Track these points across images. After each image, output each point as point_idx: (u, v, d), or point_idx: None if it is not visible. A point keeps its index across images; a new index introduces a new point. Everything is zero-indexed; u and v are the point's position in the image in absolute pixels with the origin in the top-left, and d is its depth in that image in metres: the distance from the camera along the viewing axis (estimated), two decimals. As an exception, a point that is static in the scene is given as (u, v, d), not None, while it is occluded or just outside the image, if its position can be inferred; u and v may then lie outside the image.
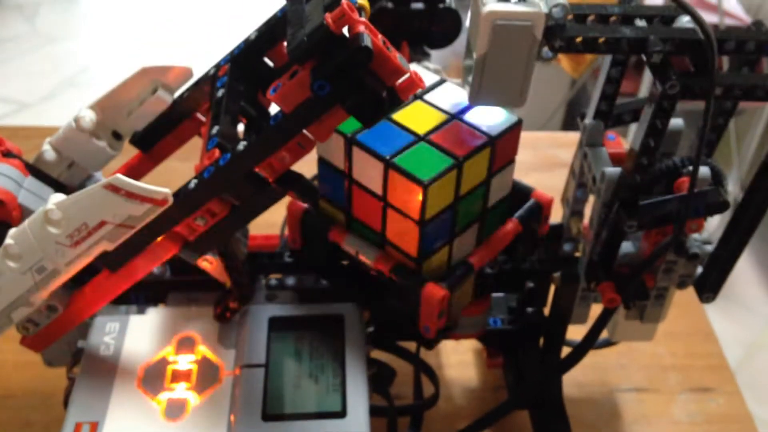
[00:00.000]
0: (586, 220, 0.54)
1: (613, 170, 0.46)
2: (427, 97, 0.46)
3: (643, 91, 1.46)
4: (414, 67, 0.49)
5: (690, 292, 0.54)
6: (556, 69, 1.56)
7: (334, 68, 0.35)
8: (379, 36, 0.35)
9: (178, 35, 2.17)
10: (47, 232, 0.39)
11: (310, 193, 0.42)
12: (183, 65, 0.47)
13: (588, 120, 0.51)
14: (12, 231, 0.40)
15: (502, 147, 0.45)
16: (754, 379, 1.30)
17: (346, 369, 0.46)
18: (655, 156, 0.43)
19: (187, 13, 2.27)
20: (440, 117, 0.45)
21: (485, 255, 0.47)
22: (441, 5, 0.58)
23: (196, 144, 0.49)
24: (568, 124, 1.62)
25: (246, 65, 0.47)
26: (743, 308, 1.45)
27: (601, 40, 0.41)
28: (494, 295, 0.57)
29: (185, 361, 0.46)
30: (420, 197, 0.41)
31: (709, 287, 0.52)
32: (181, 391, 0.45)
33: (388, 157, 0.42)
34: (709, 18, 1.46)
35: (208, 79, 0.47)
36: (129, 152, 0.50)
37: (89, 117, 0.46)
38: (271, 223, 0.64)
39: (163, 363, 0.46)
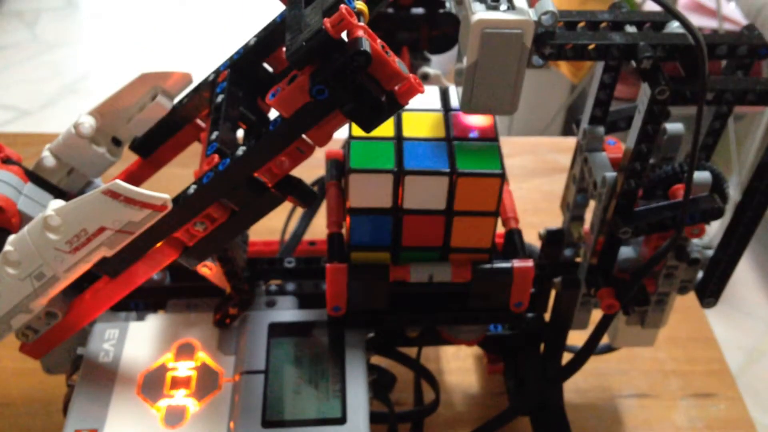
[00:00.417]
0: (586, 225, 0.54)
1: (613, 175, 0.46)
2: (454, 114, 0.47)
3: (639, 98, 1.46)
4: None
5: (690, 298, 0.54)
6: (556, 74, 1.56)
7: (332, 73, 0.35)
8: (378, 41, 0.35)
9: (178, 42, 2.17)
10: (46, 238, 0.39)
11: (309, 198, 0.41)
12: (182, 71, 0.47)
13: (583, 125, 0.51)
14: (11, 237, 0.40)
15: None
16: (755, 385, 1.30)
17: (346, 375, 0.46)
18: (648, 161, 0.43)
19: (186, 20, 2.27)
20: (438, 116, 0.45)
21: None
22: (441, 10, 0.58)
23: (195, 150, 0.49)
24: (568, 129, 1.62)
25: (245, 71, 0.47)
26: (744, 314, 1.44)
27: (591, 46, 0.41)
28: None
29: (185, 368, 0.46)
30: (497, 188, 0.43)
31: (710, 292, 0.52)
32: (180, 397, 0.45)
33: (448, 170, 0.43)
34: (708, 23, 1.46)
35: (208, 85, 0.47)
36: (128, 158, 0.50)
37: (89, 123, 0.46)
38: (270, 228, 0.64)
39: (163, 370, 0.46)
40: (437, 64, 0.64)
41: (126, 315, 0.50)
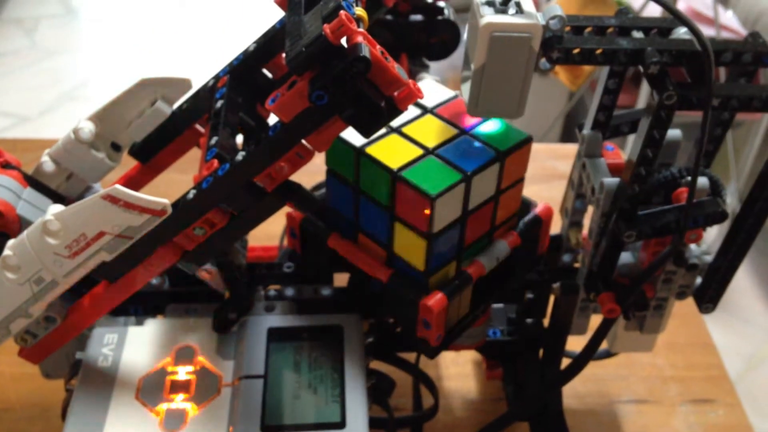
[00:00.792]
0: (585, 231, 0.54)
1: (612, 181, 0.46)
2: (438, 111, 0.47)
3: (641, 103, 1.47)
4: (430, 82, 0.50)
5: (689, 303, 0.54)
6: (554, 82, 1.56)
7: (332, 78, 0.35)
8: (378, 46, 0.35)
9: (177, 49, 2.17)
10: (46, 242, 0.39)
11: (309, 204, 0.42)
12: (182, 77, 0.47)
13: (586, 131, 0.51)
14: (10, 242, 0.40)
15: (510, 163, 0.44)
16: (753, 392, 1.30)
17: (346, 380, 0.46)
18: (653, 166, 0.43)
19: (185, 28, 2.28)
20: (450, 131, 0.45)
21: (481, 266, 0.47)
22: (439, 17, 0.58)
23: (194, 156, 0.49)
24: (566, 136, 1.62)
25: (245, 76, 0.47)
26: (742, 321, 1.45)
27: (599, 51, 0.41)
28: (493, 306, 0.57)
29: (184, 372, 0.46)
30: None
31: (708, 298, 0.52)
32: (179, 402, 0.45)
33: (396, 170, 0.42)
34: (706, 31, 1.47)
35: (207, 91, 0.48)
36: (128, 164, 0.50)
37: (88, 128, 0.46)
38: (269, 234, 0.64)
39: (162, 374, 0.46)
40: (436, 71, 0.64)
41: (125, 319, 0.50)
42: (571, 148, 0.88)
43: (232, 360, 0.47)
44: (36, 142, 0.82)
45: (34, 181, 0.46)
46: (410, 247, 0.44)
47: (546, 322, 0.55)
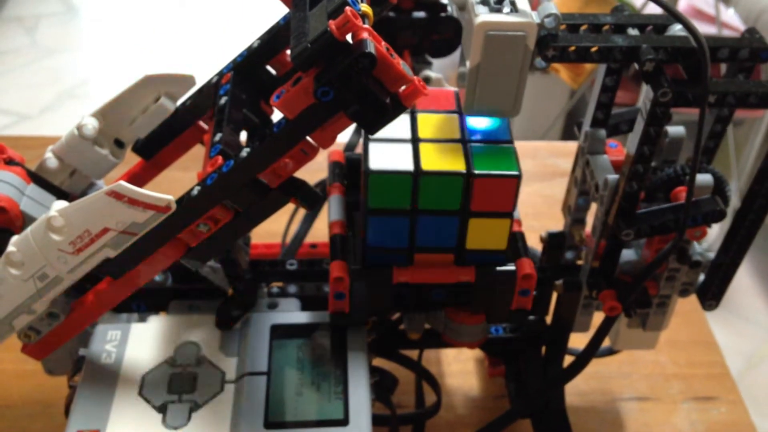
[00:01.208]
0: (588, 228, 0.54)
1: (615, 177, 0.46)
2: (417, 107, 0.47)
3: (642, 101, 1.47)
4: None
5: (691, 301, 0.54)
6: (555, 79, 1.56)
7: (337, 74, 0.35)
8: (383, 43, 0.35)
9: (178, 48, 2.17)
10: (49, 239, 0.39)
11: (314, 200, 0.41)
12: (186, 73, 0.47)
13: (585, 128, 0.51)
14: (14, 238, 0.40)
15: None
16: (754, 391, 1.30)
17: (349, 377, 0.46)
18: (651, 164, 0.43)
19: (186, 26, 2.27)
20: (450, 118, 0.46)
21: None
22: (442, 14, 0.58)
23: (196, 154, 0.49)
24: (568, 134, 1.62)
25: (248, 73, 0.47)
26: (743, 319, 1.45)
27: (594, 49, 0.41)
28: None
29: (187, 369, 0.46)
30: (514, 188, 0.43)
31: (711, 295, 0.52)
32: (182, 399, 0.45)
33: (466, 171, 0.42)
34: (708, 29, 1.47)
35: (211, 87, 0.47)
36: (131, 160, 0.50)
37: (92, 124, 0.46)
38: (272, 232, 0.64)
39: (165, 371, 0.46)
40: (438, 67, 0.64)
41: (128, 316, 0.50)
42: (573, 146, 0.88)
43: (236, 357, 0.47)
44: (39, 140, 0.82)
45: (37, 178, 0.46)
46: (489, 234, 0.45)
47: (549, 319, 0.55)
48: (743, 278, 1.51)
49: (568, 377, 0.52)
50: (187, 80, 0.47)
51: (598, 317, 0.52)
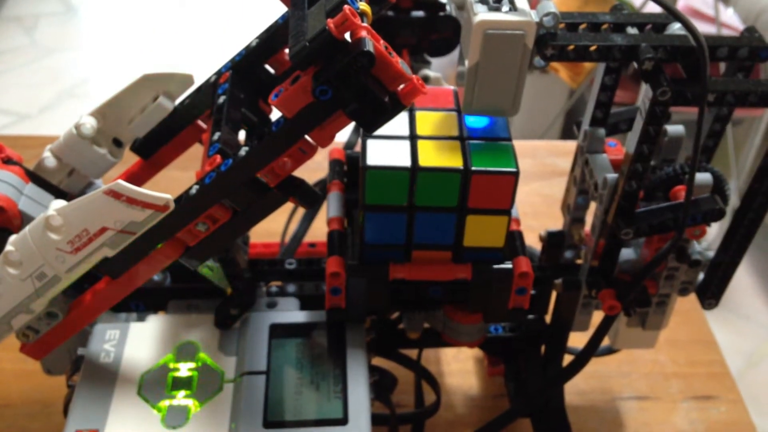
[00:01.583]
0: (587, 227, 0.54)
1: (614, 176, 0.46)
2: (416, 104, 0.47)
3: (641, 101, 1.47)
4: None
5: (690, 300, 0.54)
6: (554, 79, 1.56)
7: (336, 73, 0.35)
8: (382, 41, 0.35)
9: (177, 48, 2.17)
10: (48, 238, 0.39)
11: (312, 199, 0.41)
12: (184, 72, 0.47)
13: (584, 127, 0.51)
14: (12, 238, 0.40)
15: None
16: (754, 390, 1.30)
17: (348, 376, 0.46)
18: (650, 163, 0.43)
19: (185, 26, 2.27)
20: (448, 115, 0.46)
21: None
22: (441, 13, 0.58)
23: (195, 154, 0.49)
24: (567, 134, 1.62)
25: (247, 72, 0.47)
26: (742, 318, 1.45)
27: (593, 48, 0.41)
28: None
29: (186, 369, 0.46)
30: (512, 185, 0.43)
31: (711, 293, 0.52)
32: (181, 398, 0.45)
33: (463, 167, 0.42)
34: (707, 29, 1.47)
35: (209, 87, 0.47)
36: (129, 160, 0.50)
37: (90, 124, 0.46)
38: (270, 231, 0.64)
39: (164, 370, 0.46)
40: (437, 67, 0.64)
41: (127, 316, 0.50)
42: (572, 145, 0.88)
43: (234, 356, 0.47)
44: (37, 139, 0.82)
45: (35, 177, 0.46)
46: (486, 232, 0.45)
47: (548, 318, 0.55)
48: (743, 277, 1.51)
49: (567, 376, 0.52)
50: (186, 79, 0.47)
51: (597, 316, 0.52)
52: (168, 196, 0.38)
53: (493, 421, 0.52)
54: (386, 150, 0.43)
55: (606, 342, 0.54)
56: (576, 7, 1.45)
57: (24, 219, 0.44)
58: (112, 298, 0.44)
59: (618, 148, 0.51)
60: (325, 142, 0.39)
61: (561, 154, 0.91)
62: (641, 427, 0.62)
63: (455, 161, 0.43)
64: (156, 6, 2.36)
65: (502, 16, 0.39)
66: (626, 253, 0.51)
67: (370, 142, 0.44)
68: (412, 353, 0.55)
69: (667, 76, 0.40)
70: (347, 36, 0.34)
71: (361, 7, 0.36)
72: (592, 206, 0.51)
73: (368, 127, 0.37)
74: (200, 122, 0.49)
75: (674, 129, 0.49)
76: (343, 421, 0.44)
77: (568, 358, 0.53)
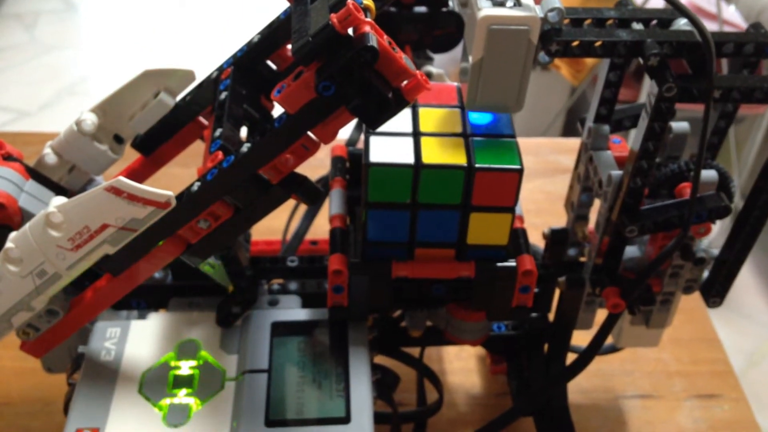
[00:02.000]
0: (591, 225, 0.54)
1: (618, 173, 0.46)
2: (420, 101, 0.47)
3: (643, 98, 1.46)
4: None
5: (694, 299, 0.54)
6: (556, 76, 1.56)
7: (339, 69, 0.34)
8: (385, 36, 0.35)
9: (177, 44, 2.17)
10: (48, 235, 0.38)
11: (315, 196, 0.41)
12: (185, 68, 0.47)
13: (588, 124, 0.50)
14: (13, 234, 0.40)
15: None
16: (756, 389, 1.30)
17: (350, 374, 0.45)
18: (655, 160, 0.43)
19: (185, 23, 2.27)
20: (452, 112, 0.46)
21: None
22: (444, 9, 0.58)
23: (196, 150, 0.49)
24: (568, 131, 1.62)
25: (249, 68, 0.47)
26: (745, 317, 1.44)
27: (598, 43, 0.41)
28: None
29: (187, 367, 0.46)
30: (516, 183, 0.42)
31: (715, 292, 0.51)
32: (183, 396, 0.44)
33: (467, 164, 0.42)
34: (709, 26, 1.46)
35: (211, 83, 0.47)
36: (130, 156, 0.50)
37: (91, 120, 0.46)
38: (272, 228, 0.64)
39: (165, 368, 0.46)
40: (440, 63, 0.64)
41: (127, 313, 0.50)
42: (574, 142, 0.88)
43: (236, 354, 0.47)
44: (37, 136, 0.82)
45: (36, 174, 0.46)
46: (490, 229, 0.44)
47: (551, 316, 0.55)
48: (746, 276, 1.51)
49: (570, 375, 0.51)
50: (187, 75, 0.47)
51: (601, 314, 0.51)
52: (169, 192, 0.38)
53: (495, 419, 0.52)
54: (389, 147, 0.43)
55: (609, 340, 0.54)
56: (580, 3, 1.45)
57: (24, 216, 0.43)
58: (112, 295, 0.43)
59: (622, 145, 0.50)
60: (327, 139, 0.38)
61: (564, 151, 0.90)
62: (644, 425, 0.62)
63: (459, 158, 0.42)
64: (156, 4, 2.35)
65: (507, 11, 0.39)
66: (630, 251, 0.51)
67: (373, 139, 0.43)
68: (415, 351, 0.55)
69: (672, 72, 0.40)
70: (350, 31, 0.34)
71: (364, 2, 0.36)
72: (596, 203, 0.50)
73: (371, 123, 0.37)
74: (202, 119, 0.49)
75: (679, 126, 0.48)
76: (345, 419, 0.43)
77: (571, 357, 0.53)
